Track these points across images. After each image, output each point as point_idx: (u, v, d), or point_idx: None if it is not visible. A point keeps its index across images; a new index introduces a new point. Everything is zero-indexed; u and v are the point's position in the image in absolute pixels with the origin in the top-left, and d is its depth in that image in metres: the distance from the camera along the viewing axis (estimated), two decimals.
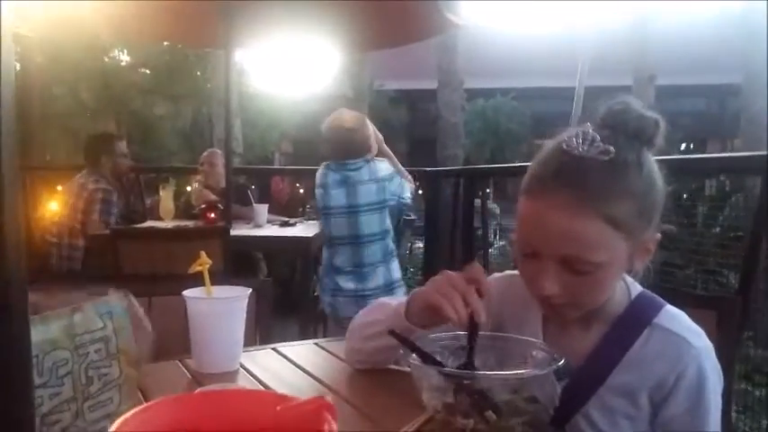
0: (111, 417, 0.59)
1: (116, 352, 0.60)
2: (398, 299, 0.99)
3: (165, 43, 8.10)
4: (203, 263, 1.04)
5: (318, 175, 2.97)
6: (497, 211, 8.96)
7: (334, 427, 0.33)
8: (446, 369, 0.78)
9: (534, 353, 0.83)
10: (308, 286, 3.55)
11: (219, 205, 3.60)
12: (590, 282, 0.84)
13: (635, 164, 0.84)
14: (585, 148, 0.83)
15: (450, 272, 0.90)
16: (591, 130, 0.84)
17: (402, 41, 3.78)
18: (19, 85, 0.43)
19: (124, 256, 2.85)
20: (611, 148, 0.82)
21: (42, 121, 7.47)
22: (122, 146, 3.77)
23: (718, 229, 4.07)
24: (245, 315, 1.02)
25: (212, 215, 3.55)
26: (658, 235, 0.88)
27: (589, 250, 0.81)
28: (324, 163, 2.99)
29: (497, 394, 0.74)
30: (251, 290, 1.04)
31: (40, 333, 0.53)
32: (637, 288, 0.93)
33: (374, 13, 3.21)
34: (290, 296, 3.95)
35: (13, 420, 0.45)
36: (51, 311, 0.57)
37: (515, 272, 1.00)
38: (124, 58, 10.17)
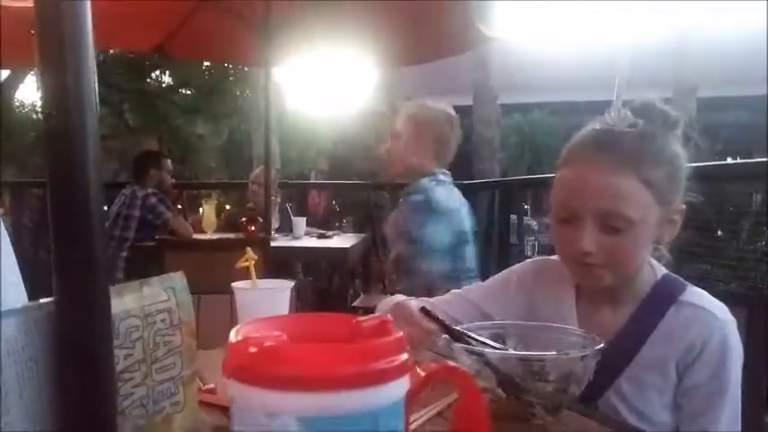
0: (175, 379, 0.65)
1: (178, 322, 0.67)
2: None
3: (206, 63, 8.36)
4: (249, 258, 1.12)
5: (441, 191, 2.26)
6: (535, 227, 8.87)
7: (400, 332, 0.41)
8: (473, 347, 0.81)
9: (569, 339, 0.85)
10: (346, 296, 3.62)
11: (259, 218, 3.72)
12: (625, 241, 0.90)
13: (662, 137, 0.93)
14: (618, 121, 0.94)
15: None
16: (621, 109, 0.94)
17: (437, 56, 3.86)
18: None
19: (169, 267, 2.97)
20: (640, 121, 0.92)
21: None
22: (168, 163, 4.01)
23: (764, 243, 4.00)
24: (288, 305, 1.09)
25: (253, 228, 3.66)
26: (683, 206, 0.95)
27: (625, 205, 0.88)
28: (440, 171, 2.32)
29: (524, 379, 0.78)
30: (293, 283, 1.10)
31: (117, 303, 0.60)
32: (661, 270, 0.99)
33: (410, 29, 3.30)
34: (328, 307, 4.02)
35: (101, 372, 0.52)
36: (124, 284, 0.64)
37: (547, 257, 1.06)
38: (166, 79, 10.53)
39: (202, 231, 3.88)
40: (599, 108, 1.00)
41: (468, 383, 0.48)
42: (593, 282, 0.95)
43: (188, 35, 3.47)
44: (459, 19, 3.09)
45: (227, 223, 4.09)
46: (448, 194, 2.28)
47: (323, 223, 4.98)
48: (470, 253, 2.29)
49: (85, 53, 0.50)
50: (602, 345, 0.78)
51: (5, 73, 8.44)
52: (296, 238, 3.76)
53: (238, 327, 0.44)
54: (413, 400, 0.42)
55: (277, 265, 3.16)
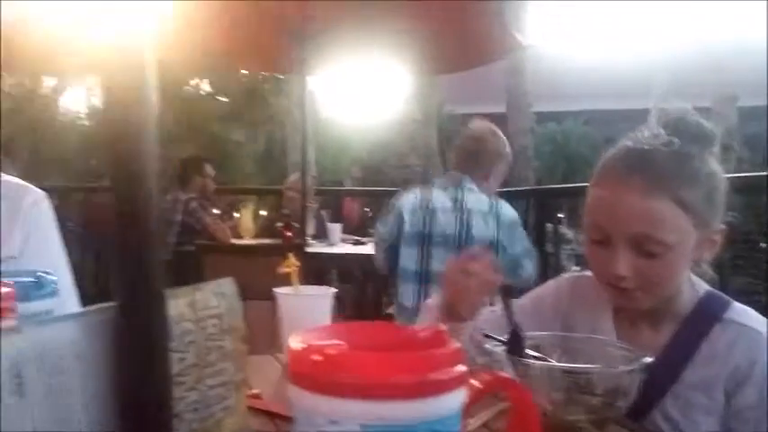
0: (227, 385, 0.66)
1: (228, 328, 0.68)
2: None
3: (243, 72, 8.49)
4: (291, 264, 1.13)
5: (409, 194, 2.49)
6: (571, 236, 8.71)
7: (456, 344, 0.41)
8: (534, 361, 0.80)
9: (614, 352, 0.83)
10: (380, 304, 3.62)
11: (295, 224, 3.75)
12: (661, 265, 0.87)
13: (698, 156, 0.89)
14: (651, 139, 0.90)
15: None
16: (654, 127, 0.91)
17: (473, 64, 3.84)
18: None
19: (209, 271, 3.02)
20: (675, 140, 0.88)
21: None
22: (210, 168, 4.07)
23: None
24: (330, 312, 1.10)
25: (289, 233, 3.70)
26: (723, 226, 0.91)
27: (660, 229, 0.85)
28: (442, 177, 2.61)
29: (570, 392, 0.77)
30: (335, 290, 1.11)
31: (171, 307, 0.61)
32: (703, 286, 0.96)
33: (445, 36, 3.29)
34: (363, 314, 4.03)
35: (159, 375, 0.53)
36: (176, 289, 0.65)
37: (581, 272, 1.04)
38: (204, 87, 10.74)
39: (239, 236, 3.94)
40: (634, 117, 0.96)
41: (523, 395, 0.48)
42: (630, 304, 0.93)
43: (223, 45, 3.51)
44: (494, 26, 3.07)
45: (263, 229, 4.14)
46: (417, 196, 2.43)
47: (357, 230, 4.99)
48: (407, 254, 2.39)
49: (148, 63, 0.51)
50: (650, 359, 0.77)
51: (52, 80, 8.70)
52: (331, 245, 3.78)
53: (295, 334, 0.44)
54: (467, 411, 0.42)
55: (313, 271, 3.19)
